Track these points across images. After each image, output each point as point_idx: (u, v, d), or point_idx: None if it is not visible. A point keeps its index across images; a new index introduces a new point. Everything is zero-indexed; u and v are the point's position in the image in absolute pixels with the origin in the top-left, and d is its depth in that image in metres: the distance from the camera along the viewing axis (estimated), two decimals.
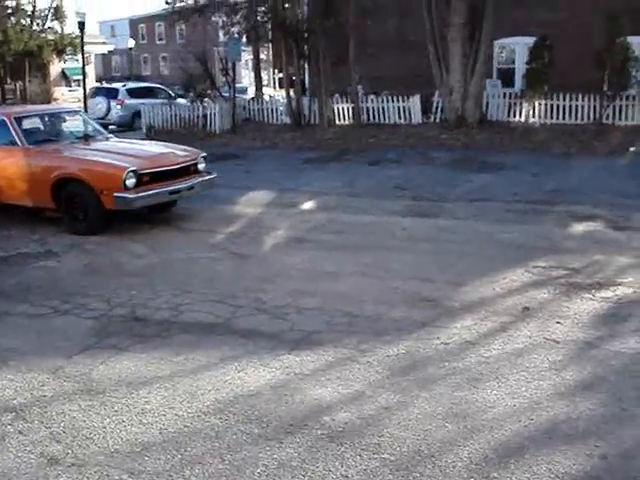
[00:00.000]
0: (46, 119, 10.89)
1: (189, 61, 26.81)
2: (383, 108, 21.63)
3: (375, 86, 22.57)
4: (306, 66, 24.47)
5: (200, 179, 9.77)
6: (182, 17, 24.20)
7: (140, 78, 51.31)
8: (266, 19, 23.76)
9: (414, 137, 18.70)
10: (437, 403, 4.34)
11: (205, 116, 22.43)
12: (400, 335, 5.41)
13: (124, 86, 27.86)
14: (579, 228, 8.85)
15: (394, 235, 8.58)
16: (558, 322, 5.66)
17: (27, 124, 10.20)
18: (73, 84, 50.25)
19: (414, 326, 5.60)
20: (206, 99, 22.96)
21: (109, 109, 25.52)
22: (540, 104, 20.62)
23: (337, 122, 21.71)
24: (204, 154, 10.25)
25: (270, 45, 33.96)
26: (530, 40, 21.19)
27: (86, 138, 10.60)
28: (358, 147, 17.64)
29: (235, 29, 24.54)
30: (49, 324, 5.94)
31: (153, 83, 32.89)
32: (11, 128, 9.80)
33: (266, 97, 26.30)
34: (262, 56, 39.76)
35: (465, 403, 4.34)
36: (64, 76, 51.61)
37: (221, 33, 27.19)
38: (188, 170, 9.72)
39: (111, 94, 26.37)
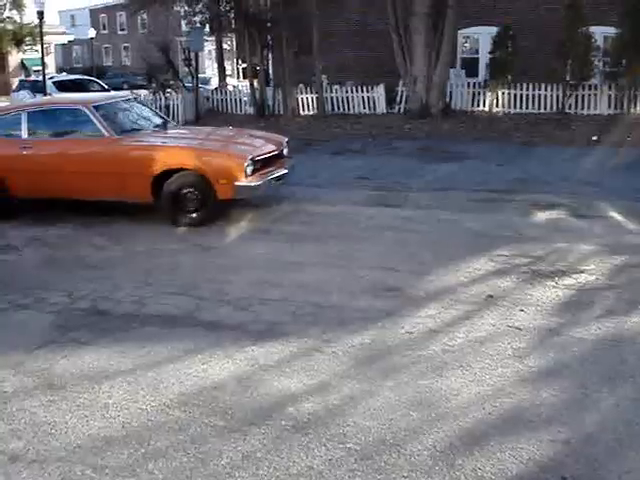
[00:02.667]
0: (114, 107, 10.05)
1: (151, 51, 26.55)
2: (347, 98, 21.64)
3: (340, 76, 22.58)
4: (270, 56, 24.36)
5: (290, 164, 9.66)
6: (143, 7, 23.91)
7: (101, 69, 50.66)
8: (229, 8, 23.55)
9: (378, 127, 18.72)
10: (402, 392, 4.34)
11: (168, 107, 22.23)
12: (365, 325, 5.41)
13: (51, 79, 26.70)
14: (542, 216, 8.92)
15: (358, 225, 8.57)
16: (521, 310, 5.69)
17: (102, 113, 9.45)
18: (33, 75, 49.49)
19: (379, 315, 5.59)
20: (169, 90, 22.75)
21: None
22: (503, 93, 20.77)
23: (301, 112, 21.67)
24: (287, 139, 10.16)
25: (233, 35, 33.73)
26: (493, 30, 21.32)
27: (164, 126, 10.23)
28: (322, 137, 17.61)
29: (197, 19, 24.28)
30: (9, 319, 5.84)
31: (85, 76, 31.58)
32: (93, 118, 9.14)
33: (230, 87, 26.14)
34: (226, 46, 39.47)
35: (430, 391, 4.35)
36: (23, 67, 50.79)
37: (183, 23, 26.86)
38: (282, 156, 9.64)
39: (37, 88, 24.86)
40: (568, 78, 19.74)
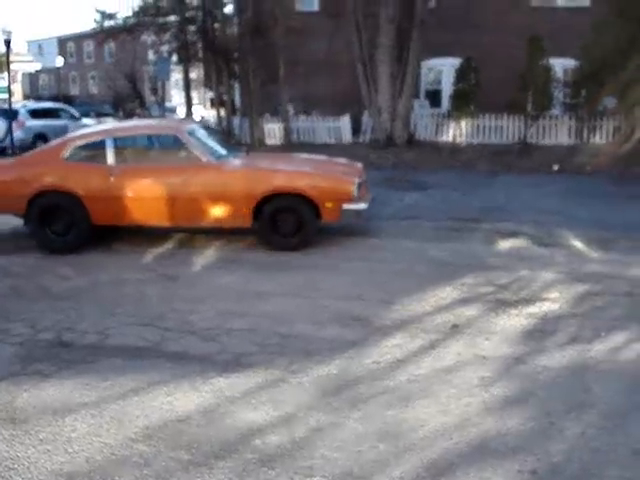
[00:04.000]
0: (200, 133, 9.74)
1: (118, 80, 26.52)
2: (314, 128, 21.80)
3: (306, 105, 22.75)
4: (237, 85, 24.48)
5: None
6: (110, 36, 23.92)
7: (68, 97, 50.36)
8: (196, 38, 23.67)
9: (344, 157, 18.78)
10: (369, 423, 4.34)
11: None
12: (331, 355, 5.40)
13: (24, 106, 26.14)
14: (505, 245, 9.01)
15: (324, 254, 8.58)
16: (486, 338, 5.74)
17: (194, 139, 9.22)
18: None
19: (345, 345, 5.59)
20: (135, 118, 22.71)
21: (8, 131, 22.87)
22: (467, 124, 21.10)
23: (268, 142, 21.76)
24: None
25: (201, 64, 33.85)
26: (457, 61, 21.72)
27: (247, 151, 10.12)
28: None
29: (165, 48, 24.37)
30: None
31: (57, 103, 31.41)
32: (189, 144, 8.95)
33: (196, 116, 26.16)
34: (193, 75, 39.55)
35: (396, 422, 4.35)
36: None
37: (151, 52, 26.92)
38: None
39: (9, 115, 23.68)
40: (529, 109, 20.11)
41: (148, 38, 25.22)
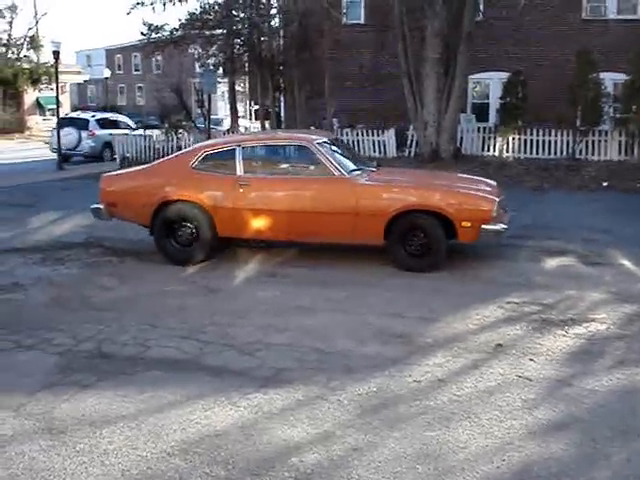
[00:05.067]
0: (331, 145, 9.25)
1: (165, 92, 26.85)
2: (358, 141, 21.73)
3: (351, 119, 22.72)
4: (282, 98, 24.59)
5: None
6: (157, 48, 24.24)
7: (115, 108, 51.22)
8: (242, 51, 23.87)
9: None
10: (408, 443, 4.24)
11: (180, 147, 22.36)
12: (371, 372, 5.32)
13: (93, 117, 27.56)
14: (552, 263, 8.84)
15: (365, 270, 8.49)
16: (531, 359, 5.60)
17: (325, 151, 8.84)
18: (47, 113, 50.08)
19: (385, 363, 5.51)
20: (180, 130, 22.94)
21: (80, 140, 25.11)
22: (514, 139, 20.86)
23: None
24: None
25: (247, 77, 34.13)
26: (504, 75, 21.53)
27: (379, 165, 9.86)
28: None
29: (211, 61, 24.61)
30: (12, 359, 5.76)
31: (117, 114, 32.66)
32: (321, 156, 8.62)
33: (241, 129, 26.34)
34: (239, 88, 39.88)
35: (436, 443, 4.25)
36: (39, 105, 51.43)
37: (197, 65, 27.25)
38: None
39: (81, 125, 25.86)
40: (578, 124, 19.82)
41: (195, 51, 25.51)
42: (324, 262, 8.82)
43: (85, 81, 62.06)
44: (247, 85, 41.11)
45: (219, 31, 23.42)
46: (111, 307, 7.16)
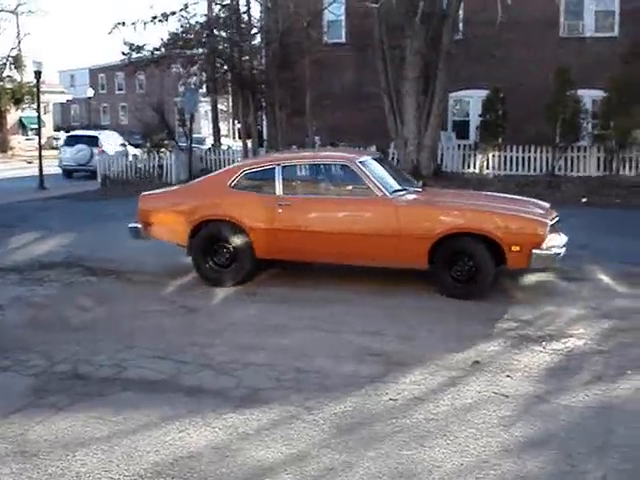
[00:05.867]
0: (373, 165, 8.93)
1: (147, 111, 26.87)
2: None
3: (332, 137, 22.78)
4: (264, 117, 24.65)
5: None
6: (139, 68, 24.25)
7: (98, 127, 51.16)
8: (224, 70, 23.92)
9: None
10: (383, 463, 4.22)
11: (161, 166, 22.37)
12: (348, 391, 5.30)
13: (100, 134, 28.85)
14: (531, 279, 8.85)
15: (345, 287, 8.48)
16: (508, 376, 5.60)
17: (368, 171, 8.54)
18: (30, 133, 49.95)
19: (363, 382, 5.49)
20: (162, 149, 22.92)
21: (92, 156, 25.78)
22: (494, 155, 21.01)
23: None
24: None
25: (229, 96, 34.21)
26: (483, 93, 21.71)
27: (424, 185, 9.53)
28: None
29: (192, 80, 24.65)
30: None
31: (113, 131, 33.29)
32: (363, 176, 8.33)
33: (224, 147, 26.36)
34: (222, 106, 39.96)
35: (412, 462, 4.23)
36: (21, 125, 51.31)
37: (179, 84, 27.32)
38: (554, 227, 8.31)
39: (91, 141, 27.00)
40: (557, 140, 19.98)
41: (176, 70, 25.57)
42: (305, 281, 8.80)
43: (68, 100, 62.02)
44: (230, 104, 41.21)
45: (200, 50, 23.47)
46: (88, 327, 7.10)
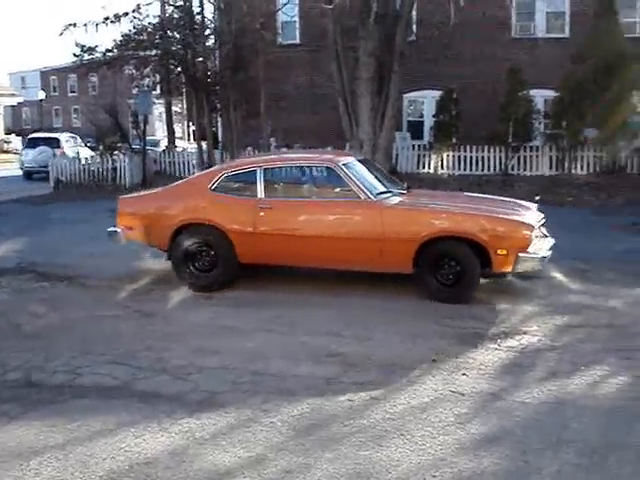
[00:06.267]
0: (358, 167, 8.80)
1: (100, 114, 26.58)
2: None
3: (288, 138, 22.76)
4: (219, 118, 24.52)
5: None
6: (91, 70, 23.94)
7: (51, 130, 50.35)
8: (177, 72, 23.74)
9: None
10: (341, 464, 4.22)
11: (115, 169, 22.10)
12: (305, 393, 5.29)
13: (61, 136, 29.50)
14: (486, 278, 8.92)
15: (301, 289, 8.47)
16: (464, 374, 5.65)
17: (351, 173, 8.37)
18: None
19: (319, 383, 5.49)
20: (116, 152, 22.66)
21: (54, 157, 25.64)
22: (448, 155, 21.21)
23: None
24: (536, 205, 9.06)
25: (183, 97, 33.96)
26: (437, 94, 21.88)
27: (409, 187, 9.28)
28: None
29: (145, 82, 24.41)
30: None
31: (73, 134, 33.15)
32: (346, 178, 8.19)
33: (178, 150, 26.17)
34: (176, 108, 39.67)
35: (369, 462, 4.24)
36: None
37: (132, 85, 27.06)
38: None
39: (53, 143, 27.75)
40: (510, 140, 20.23)
41: (129, 72, 25.30)
42: (261, 283, 8.75)
43: (19, 103, 60.89)
44: (184, 105, 40.91)
45: (154, 52, 23.25)
46: (42, 334, 6.98)
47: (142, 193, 10.16)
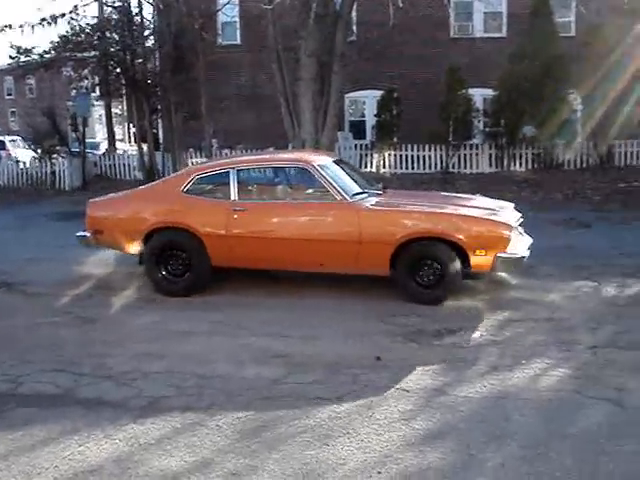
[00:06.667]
0: (333, 168, 8.62)
1: (38, 116, 26.03)
2: None
3: (231, 140, 22.67)
4: (160, 120, 24.27)
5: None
6: (28, 72, 23.49)
7: None
8: (117, 73, 23.43)
9: None
10: (287, 464, 4.23)
11: (54, 173, 21.72)
12: (251, 395, 5.28)
13: (5, 138, 29.38)
14: None
15: (248, 291, 8.45)
16: (409, 371, 5.71)
17: (327, 174, 8.20)
18: None
19: (265, 384, 5.49)
20: (55, 155, 22.26)
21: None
22: (390, 154, 21.38)
23: None
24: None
25: (124, 99, 33.52)
26: (379, 93, 22.03)
27: (384, 187, 9.08)
28: None
29: (84, 83, 24.02)
30: None
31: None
32: (322, 179, 8.01)
33: (119, 152, 25.84)
34: (116, 110, 39.08)
35: (316, 462, 4.26)
36: None
37: (71, 88, 26.58)
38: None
39: None
40: (451, 139, 20.51)
41: (68, 74, 24.87)
42: (208, 286, 8.68)
43: None
44: (124, 107, 40.39)
45: (92, 53, 22.91)
46: None
47: (112, 195, 9.88)
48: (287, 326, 7.00)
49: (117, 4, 22.80)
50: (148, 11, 23.34)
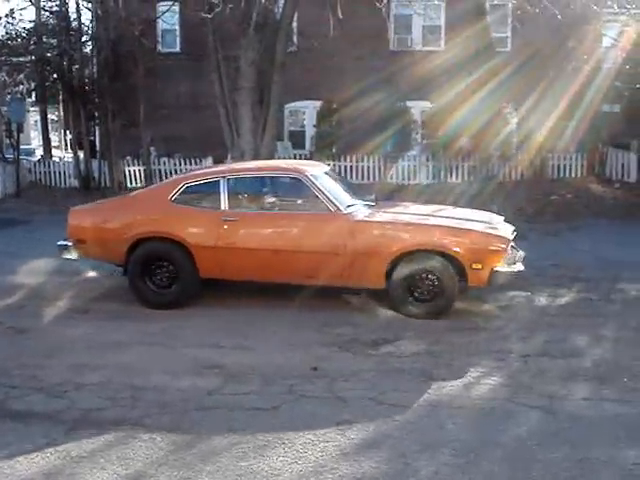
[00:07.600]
0: (326, 178, 8.43)
1: None
2: (176, 170, 21.48)
3: (170, 148, 22.48)
4: (97, 128, 23.94)
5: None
6: None
7: None
8: (53, 79, 23.04)
9: None
10: (222, 476, 4.21)
11: None
12: (186, 406, 5.24)
13: None
14: None
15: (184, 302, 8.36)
16: (345, 380, 5.75)
17: (320, 184, 8.00)
18: None
19: (200, 395, 5.44)
20: None
21: None
22: (328, 165, 21.40)
23: (129, 185, 21.28)
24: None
25: (60, 105, 32.95)
26: (318, 104, 22.13)
27: (375, 199, 8.75)
28: None
29: (20, 89, 23.53)
30: None
31: None
32: (315, 190, 7.81)
33: (55, 159, 25.36)
34: (53, 116, 38.39)
35: (251, 473, 4.24)
36: None
37: (5, 92, 26.00)
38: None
39: None
40: (389, 150, 20.72)
41: (2, 78, 24.34)
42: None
43: None
44: (61, 113, 39.70)
45: (28, 58, 22.49)
46: None
47: (95, 203, 9.61)
48: (223, 336, 6.96)
49: (55, 9, 22.46)
50: (87, 17, 23.02)
